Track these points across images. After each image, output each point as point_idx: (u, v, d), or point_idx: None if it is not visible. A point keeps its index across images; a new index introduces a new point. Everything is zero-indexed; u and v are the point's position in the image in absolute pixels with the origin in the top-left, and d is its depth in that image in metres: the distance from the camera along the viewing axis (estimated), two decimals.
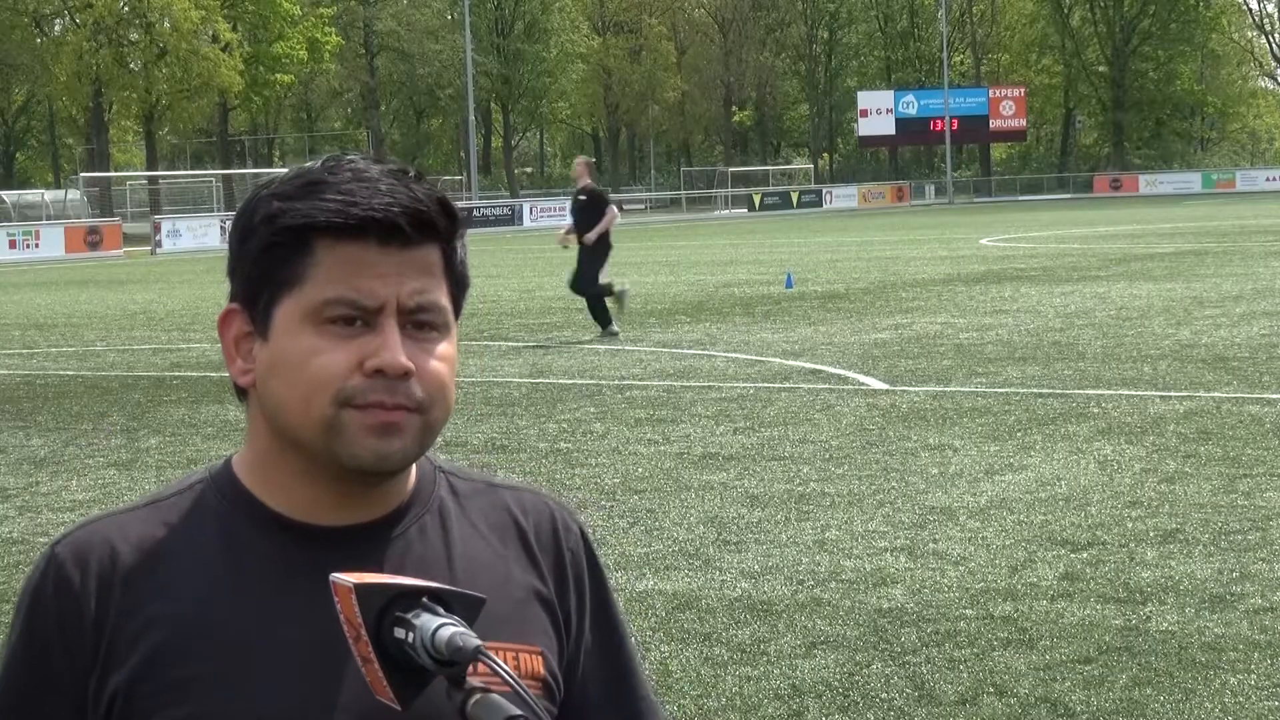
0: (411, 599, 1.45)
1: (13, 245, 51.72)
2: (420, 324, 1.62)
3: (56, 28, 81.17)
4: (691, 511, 9.21)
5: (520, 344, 19.16)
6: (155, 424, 13.23)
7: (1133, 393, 13.38)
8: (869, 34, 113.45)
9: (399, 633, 1.44)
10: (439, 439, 1.67)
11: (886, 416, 12.46)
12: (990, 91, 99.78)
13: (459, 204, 1.68)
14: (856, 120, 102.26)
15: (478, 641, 1.42)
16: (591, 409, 13.37)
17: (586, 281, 19.86)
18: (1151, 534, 8.29)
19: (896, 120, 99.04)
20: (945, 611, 6.99)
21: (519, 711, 1.42)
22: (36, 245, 52.34)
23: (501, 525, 1.75)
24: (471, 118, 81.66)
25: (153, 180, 76.91)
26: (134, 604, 1.63)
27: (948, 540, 8.29)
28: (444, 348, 1.64)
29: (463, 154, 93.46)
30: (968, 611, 6.98)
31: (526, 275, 32.27)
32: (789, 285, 26.87)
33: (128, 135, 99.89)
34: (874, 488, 9.70)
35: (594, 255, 19.82)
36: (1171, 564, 7.68)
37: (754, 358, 16.87)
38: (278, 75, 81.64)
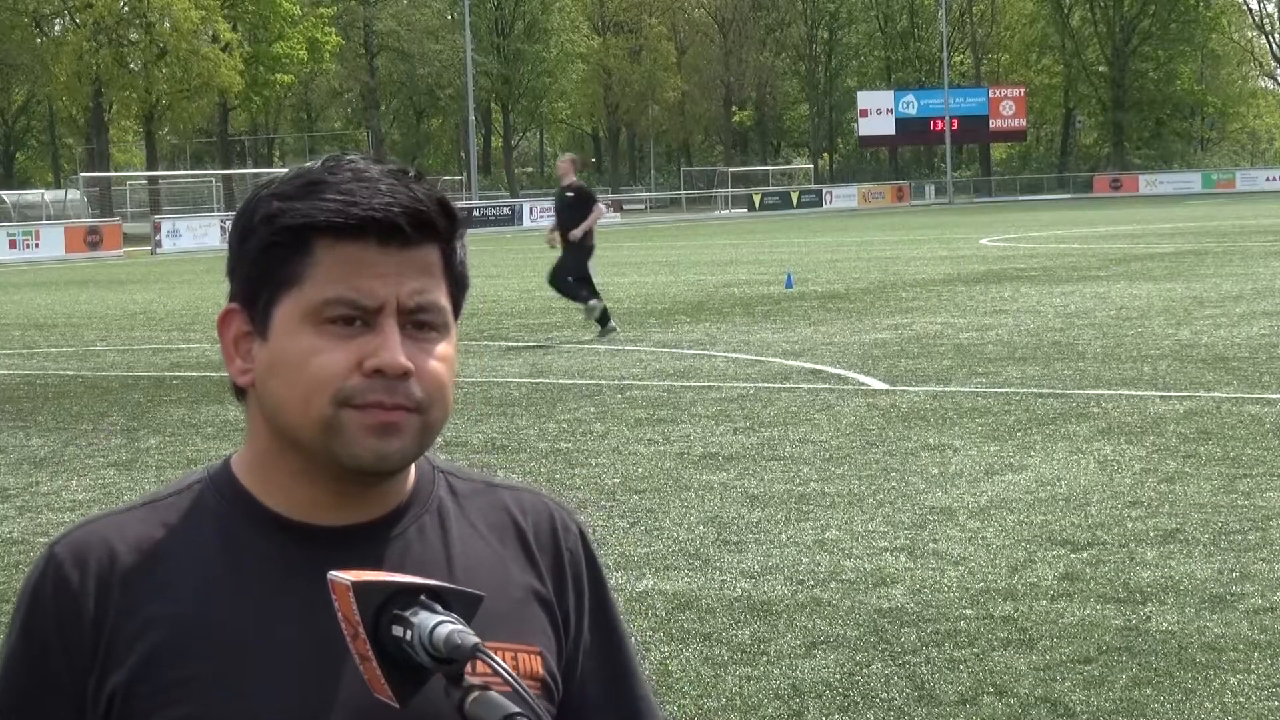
0: (409, 596, 1.45)
1: (13, 245, 51.73)
2: (420, 324, 1.62)
3: (56, 28, 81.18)
4: (691, 511, 9.21)
5: (520, 344, 19.16)
6: (155, 424, 13.23)
7: (1133, 393, 13.38)
8: (869, 34, 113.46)
9: (397, 630, 1.44)
10: (439, 439, 1.67)
11: (886, 416, 12.46)
12: (990, 91, 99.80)
13: (459, 204, 1.68)
14: (856, 120, 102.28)
15: (476, 639, 1.42)
16: (591, 409, 13.37)
17: (564, 277, 19.84)
18: (1151, 534, 8.29)
19: (896, 120, 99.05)
20: (945, 611, 6.99)
21: (517, 709, 1.41)
22: (36, 245, 52.35)
23: (500, 525, 1.75)
24: (471, 118, 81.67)
25: (153, 180, 76.93)
26: (132, 604, 1.63)
27: (948, 540, 8.29)
28: (443, 348, 1.63)
29: (463, 154, 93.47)
30: (968, 611, 6.98)
31: (526, 275, 32.26)
32: (789, 285, 26.86)
33: (128, 135, 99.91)
34: (874, 488, 9.70)
35: (579, 252, 19.79)
36: (1171, 564, 7.68)
37: (754, 358, 16.87)
38: (278, 75, 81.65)
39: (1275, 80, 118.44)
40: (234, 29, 77.31)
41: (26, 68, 79.67)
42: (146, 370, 17.38)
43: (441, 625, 1.43)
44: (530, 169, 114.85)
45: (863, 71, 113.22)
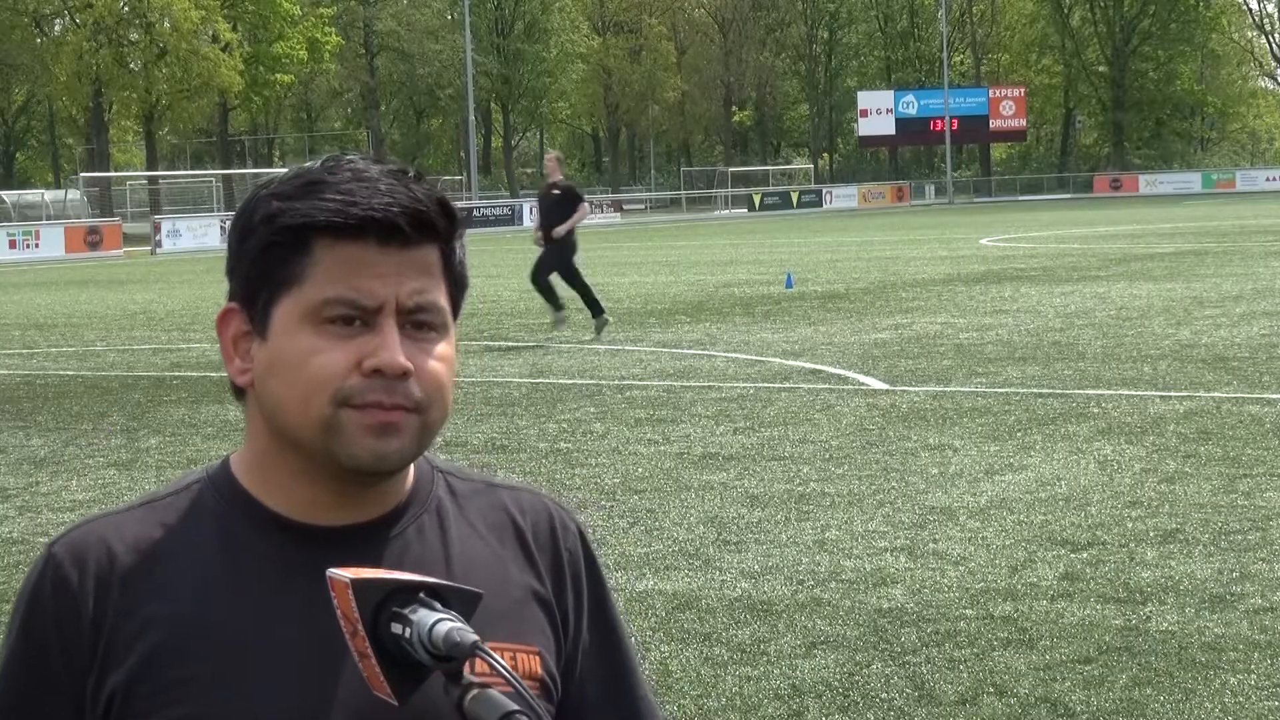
0: (408, 594, 1.45)
1: (13, 245, 51.74)
2: (419, 324, 1.62)
3: (56, 28, 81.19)
4: (691, 511, 9.20)
5: (520, 344, 19.15)
6: (155, 424, 13.23)
7: (1133, 393, 13.38)
8: (869, 34, 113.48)
9: (396, 628, 1.44)
10: (438, 439, 1.67)
11: (886, 416, 12.46)
12: (990, 91, 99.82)
13: (459, 204, 1.68)
14: (856, 120, 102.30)
15: (475, 637, 1.42)
16: (591, 409, 13.37)
17: (545, 276, 19.82)
18: (1151, 534, 8.29)
19: (896, 120, 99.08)
20: (945, 611, 6.99)
21: (516, 707, 1.41)
22: (36, 245, 52.36)
23: (499, 525, 1.75)
24: (471, 118, 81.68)
25: (153, 180, 76.94)
26: (132, 604, 1.63)
27: (948, 540, 8.29)
28: (442, 348, 1.63)
29: (463, 154, 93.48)
30: (968, 611, 6.98)
31: (527, 275, 32.18)
32: (789, 285, 26.87)
33: (128, 135, 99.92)
34: (874, 488, 9.70)
35: (562, 250, 19.78)
36: (1171, 564, 7.68)
37: (754, 358, 16.87)
38: (278, 75, 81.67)
39: (1275, 80, 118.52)
40: (234, 29, 77.32)
41: (26, 68, 79.69)
42: (146, 370, 17.38)
43: (441, 623, 1.43)
44: (530, 169, 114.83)
45: (863, 71, 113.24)
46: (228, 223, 2.29)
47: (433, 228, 1.63)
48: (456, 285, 1.67)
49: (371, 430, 1.59)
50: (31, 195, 73.12)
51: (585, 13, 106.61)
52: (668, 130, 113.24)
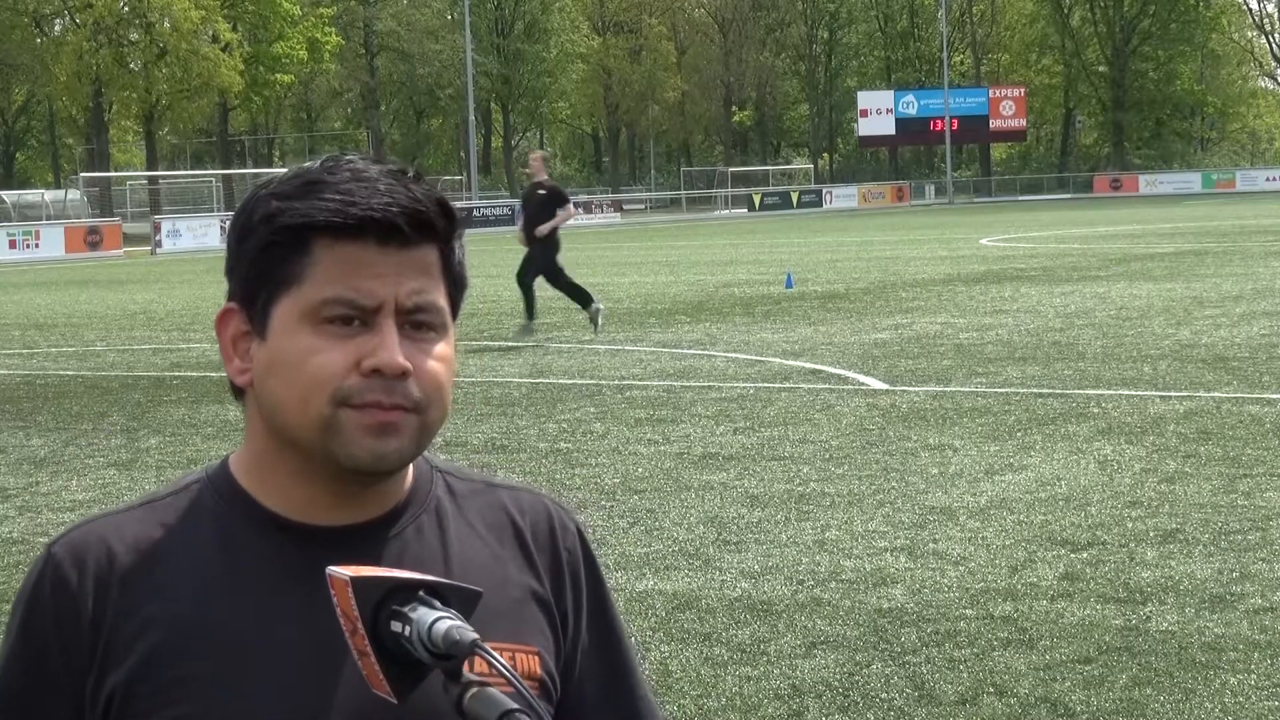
0: (408, 592, 1.45)
1: (13, 245, 51.74)
2: (418, 324, 1.62)
3: (56, 28, 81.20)
4: (691, 511, 9.20)
5: (520, 344, 19.15)
6: (155, 424, 13.24)
7: (1133, 393, 13.38)
8: (869, 34, 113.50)
9: (395, 626, 1.44)
10: (438, 439, 1.67)
11: (886, 416, 12.46)
12: (990, 91, 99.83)
13: (459, 204, 1.68)
14: (856, 120, 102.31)
15: (474, 635, 1.42)
16: (591, 409, 13.37)
17: (530, 277, 19.77)
18: (1151, 534, 8.29)
19: (896, 120, 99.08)
20: (945, 611, 6.99)
21: (515, 706, 1.41)
22: (36, 245, 52.36)
23: (499, 525, 1.75)
24: (471, 118, 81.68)
25: (153, 180, 76.95)
26: (131, 604, 1.63)
27: (948, 540, 8.29)
28: (441, 348, 1.63)
29: (463, 154, 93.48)
30: (968, 611, 6.98)
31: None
32: (789, 285, 26.87)
33: (128, 135, 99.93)
34: (874, 488, 9.70)
35: (544, 250, 19.72)
36: (1171, 564, 7.68)
37: (754, 358, 16.87)
38: (278, 75, 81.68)
39: (1275, 80, 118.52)
40: (234, 29, 77.33)
41: (26, 68, 79.70)
42: (146, 370, 17.38)
43: (440, 621, 1.43)
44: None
45: (863, 71, 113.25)
46: (228, 223, 2.28)
47: (432, 228, 1.63)
48: (456, 285, 1.67)
49: (370, 430, 1.59)
50: (31, 195, 73.14)
51: (585, 13, 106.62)
52: (668, 130, 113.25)
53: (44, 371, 17.70)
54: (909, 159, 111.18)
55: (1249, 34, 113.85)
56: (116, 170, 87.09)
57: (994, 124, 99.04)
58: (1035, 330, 18.66)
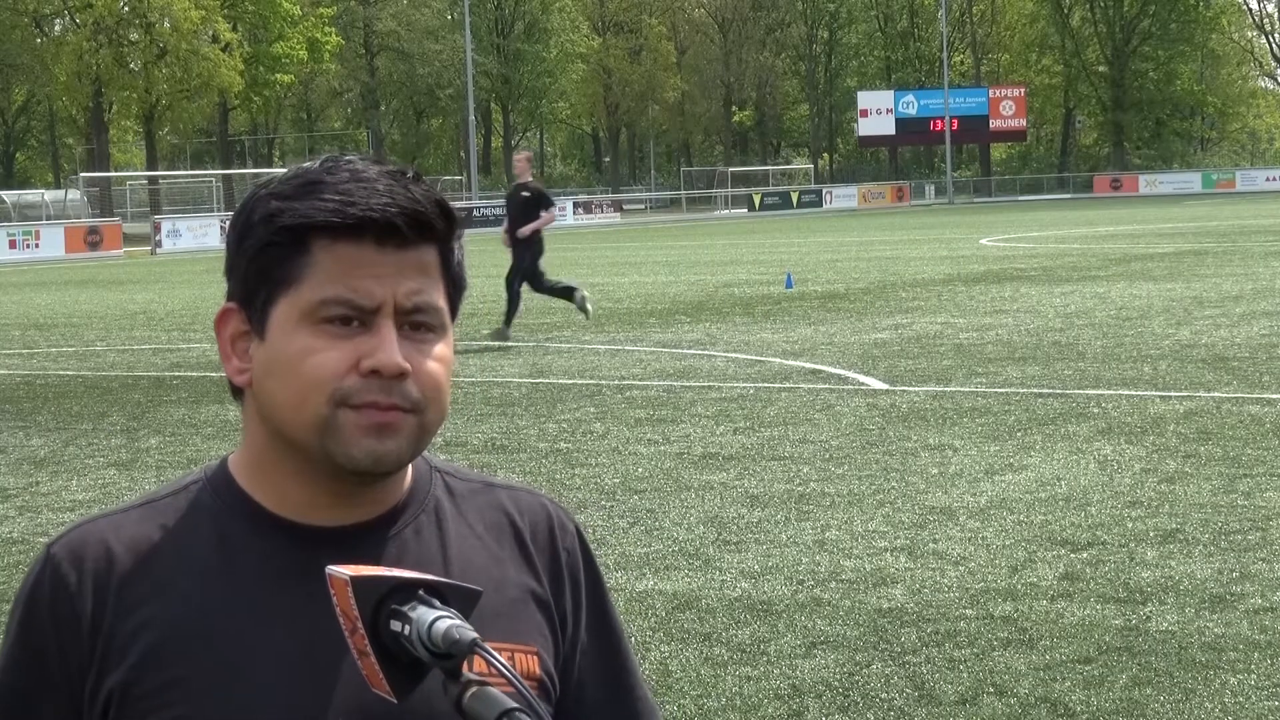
0: (408, 592, 1.45)
1: (13, 245, 51.75)
2: (417, 325, 1.62)
3: (56, 28, 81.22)
4: (691, 511, 9.20)
5: (520, 344, 19.15)
6: (155, 424, 13.24)
7: (1133, 393, 13.38)
8: (869, 34, 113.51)
9: (395, 625, 1.44)
10: (438, 439, 1.67)
11: (886, 416, 12.46)
12: (990, 91, 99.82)
13: (458, 204, 1.68)
14: (856, 120, 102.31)
15: (474, 634, 1.42)
16: (591, 409, 13.37)
17: (517, 282, 19.67)
18: (1151, 534, 8.29)
19: (896, 120, 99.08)
20: (945, 611, 6.99)
21: (515, 705, 1.41)
22: (36, 245, 52.36)
23: (497, 525, 1.75)
24: (471, 118, 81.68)
25: (153, 180, 76.96)
26: (129, 605, 1.63)
27: (948, 540, 8.29)
28: (440, 349, 1.63)
29: (463, 154, 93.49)
30: (968, 611, 6.98)
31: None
32: (789, 285, 26.87)
33: (128, 135, 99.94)
34: (874, 488, 9.70)
35: (526, 252, 19.63)
36: (1171, 564, 7.68)
37: (754, 358, 16.87)
38: (278, 75, 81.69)
39: (1275, 80, 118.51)
40: (234, 29, 77.33)
41: (26, 68, 79.72)
42: (146, 370, 17.38)
43: (440, 620, 1.43)
44: (532, 170, 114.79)
45: (863, 71, 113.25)
46: (227, 223, 2.28)
47: (431, 228, 1.63)
48: (455, 286, 1.67)
49: (368, 431, 1.59)
50: (31, 195, 73.17)
51: (585, 13, 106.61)
52: (668, 130, 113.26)
53: (44, 371, 17.70)
54: (909, 159, 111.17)
55: (1249, 34, 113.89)
56: (116, 170, 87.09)
57: (994, 124, 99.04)
58: (1035, 330, 18.66)
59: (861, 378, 14.89)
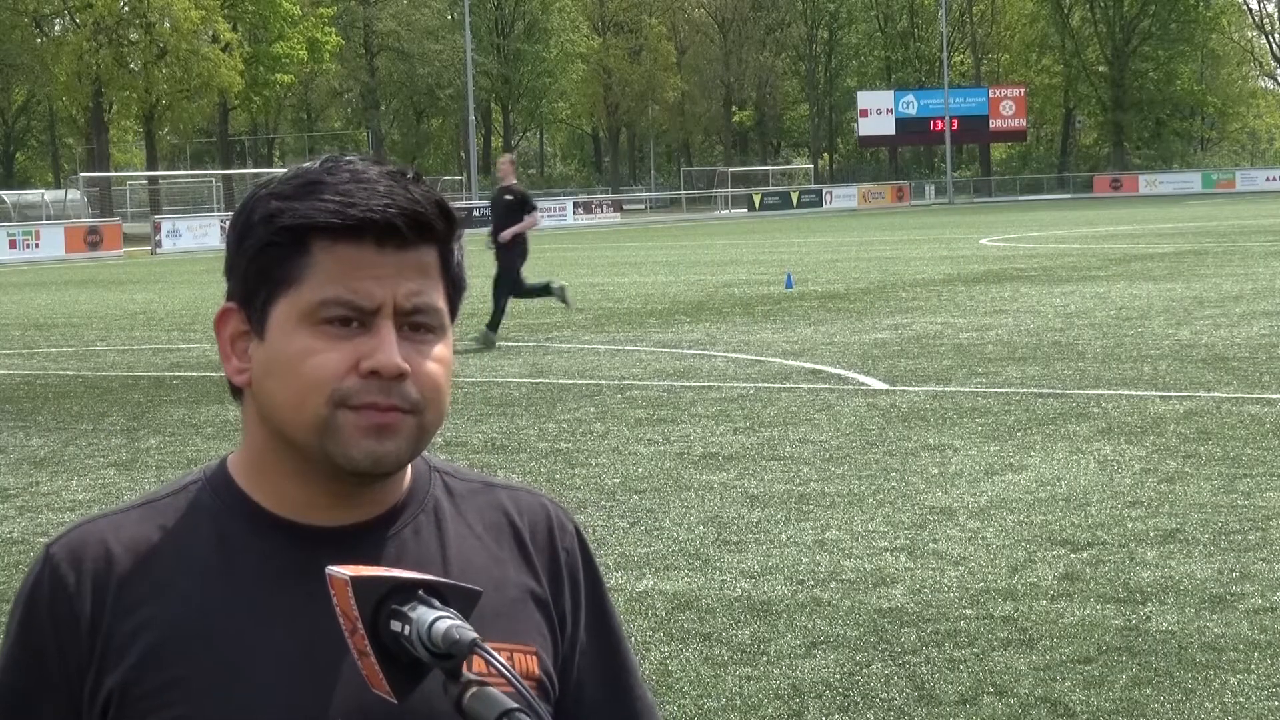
0: (408, 592, 1.45)
1: (13, 245, 51.75)
2: (416, 325, 1.62)
3: (56, 28, 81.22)
4: (691, 511, 9.20)
5: (520, 344, 19.15)
6: (155, 424, 13.24)
7: (1133, 393, 13.38)
8: (869, 34, 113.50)
9: (395, 626, 1.44)
10: (437, 439, 1.67)
11: (886, 416, 12.46)
12: (990, 91, 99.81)
13: (458, 204, 1.68)
14: (856, 120, 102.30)
15: (474, 634, 1.42)
16: (591, 409, 13.37)
17: (506, 285, 19.58)
18: (1151, 534, 8.29)
19: (896, 120, 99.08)
20: (945, 611, 6.99)
21: (515, 705, 1.41)
22: (36, 245, 52.36)
23: (496, 525, 1.75)
24: (471, 118, 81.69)
25: (153, 180, 76.97)
26: (128, 605, 1.63)
27: (948, 540, 8.29)
28: (440, 350, 1.63)
29: (463, 154, 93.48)
30: (968, 611, 6.98)
31: (527, 275, 32.21)
32: (789, 285, 26.87)
33: (128, 135, 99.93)
34: (874, 488, 9.70)
35: (509, 256, 19.57)
36: (1171, 564, 7.68)
37: (754, 358, 16.87)
38: (278, 75, 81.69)
39: (1275, 80, 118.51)
40: (234, 29, 77.33)
41: (26, 68, 79.72)
42: (146, 370, 17.38)
43: (440, 620, 1.43)
44: (531, 169, 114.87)
45: (863, 71, 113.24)
46: (228, 223, 2.28)
47: (431, 229, 1.63)
48: (455, 287, 1.67)
49: (367, 432, 1.59)
50: (31, 195, 73.18)
51: (585, 13, 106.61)
52: (668, 130, 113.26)
53: (44, 371, 17.70)
54: (909, 159, 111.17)
55: (1249, 34, 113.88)
56: (116, 170, 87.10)
57: (994, 124, 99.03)
58: (1035, 330, 18.66)
59: (861, 378, 14.89)
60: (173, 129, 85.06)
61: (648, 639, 6.73)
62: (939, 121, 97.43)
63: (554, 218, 73.50)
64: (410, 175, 1.65)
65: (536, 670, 1.69)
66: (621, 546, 8.42)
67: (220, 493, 1.69)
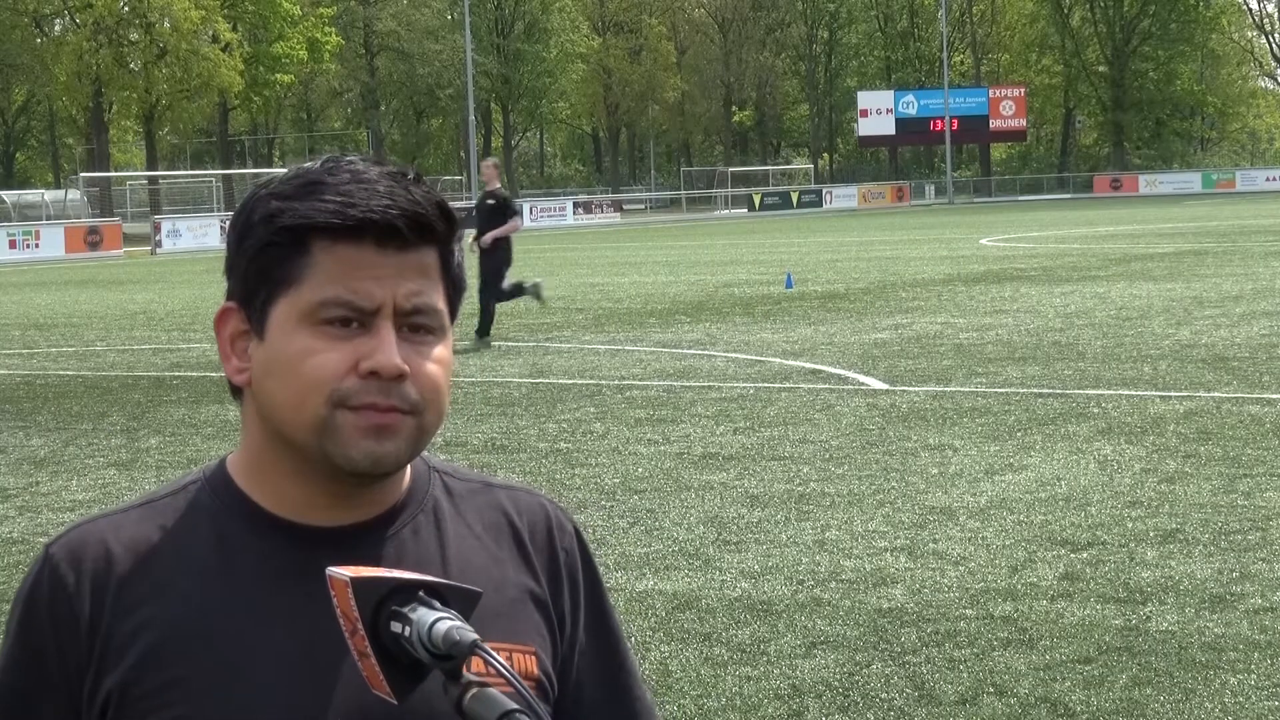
0: (408, 593, 1.45)
1: (13, 245, 51.74)
2: (416, 326, 1.61)
3: (56, 28, 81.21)
4: (691, 511, 9.20)
5: (520, 344, 19.15)
6: (155, 424, 13.24)
7: (1133, 393, 13.38)
8: (869, 34, 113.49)
9: (395, 627, 1.44)
10: (437, 439, 1.67)
11: (886, 416, 12.46)
12: (990, 91, 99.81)
13: (458, 204, 1.68)
14: (856, 120, 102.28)
15: (475, 636, 1.42)
16: (591, 409, 13.37)
17: (492, 290, 19.53)
18: (1151, 534, 8.29)
19: (896, 120, 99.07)
20: (945, 611, 6.99)
21: (515, 706, 1.41)
22: (36, 245, 52.36)
23: (496, 525, 1.75)
24: (471, 118, 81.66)
25: (153, 180, 76.97)
26: (127, 606, 1.62)
27: (948, 540, 8.29)
28: (439, 350, 1.63)
29: (463, 154, 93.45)
30: (968, 611, 6.98)
31: (526, 275, 32.22)
32: (789, 285, 26.87)
33: (128, 135, 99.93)
34: (874, 488, 9.70)
35: (494, 261, 19.53)
36: (1171, 564, 7.68)
37: (754, 358, 16.87)
38: (278, 75, 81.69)
39: (1275, 80, 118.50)
40: (234, 29, 77.33)
41: (26, 68, 79.71)
42: (146, 370, 17.38)
43: (440, 621, 1.43)
44: (531, 169, 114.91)
45: (863, 71, 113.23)
46: (228, 223, 2.28)
47: (431, 230, 1.63)
48: (454, 288, 1.67)
49: (367, 432, 1.59)
50: (31, 195, 73.18)
51: (585, 13, 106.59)
52: (668, 130, 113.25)
53: (44, 371, 17.70)
54: (909, 159, 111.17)
55: (1249, 34, 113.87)
56: (116, 170, 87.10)
57: (994, 124, 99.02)
58: (1035, 330, 18.66)
59: (861, 378, 14.89)
60: (173, 129, 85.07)
61: (648, 639, 6.73)
62: (939, 121, 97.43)
63: (554, 218, 73.50)
64: (411, 176, 1.65)
65: (535, 670, 1.69)
66: (621, 546, 8.42)
67: (219, 493, 1.69)
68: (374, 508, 1.67)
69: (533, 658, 1.69)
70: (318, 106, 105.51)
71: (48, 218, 60.71)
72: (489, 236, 19.33)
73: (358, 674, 1.47)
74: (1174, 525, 8.46)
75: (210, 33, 74.71)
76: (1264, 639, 6.45)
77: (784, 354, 17.10)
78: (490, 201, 19.63)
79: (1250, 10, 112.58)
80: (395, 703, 1.46)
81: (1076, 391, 13.55)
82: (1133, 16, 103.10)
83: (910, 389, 14.01)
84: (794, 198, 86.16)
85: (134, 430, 12.92)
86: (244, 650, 1.61)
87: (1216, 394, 13.15)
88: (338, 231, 1.60)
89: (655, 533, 8.72)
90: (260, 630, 1.61)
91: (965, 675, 6.12)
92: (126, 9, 74.26)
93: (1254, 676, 6.02)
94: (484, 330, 19.18)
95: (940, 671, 6.18)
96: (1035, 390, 13.66)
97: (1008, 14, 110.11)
